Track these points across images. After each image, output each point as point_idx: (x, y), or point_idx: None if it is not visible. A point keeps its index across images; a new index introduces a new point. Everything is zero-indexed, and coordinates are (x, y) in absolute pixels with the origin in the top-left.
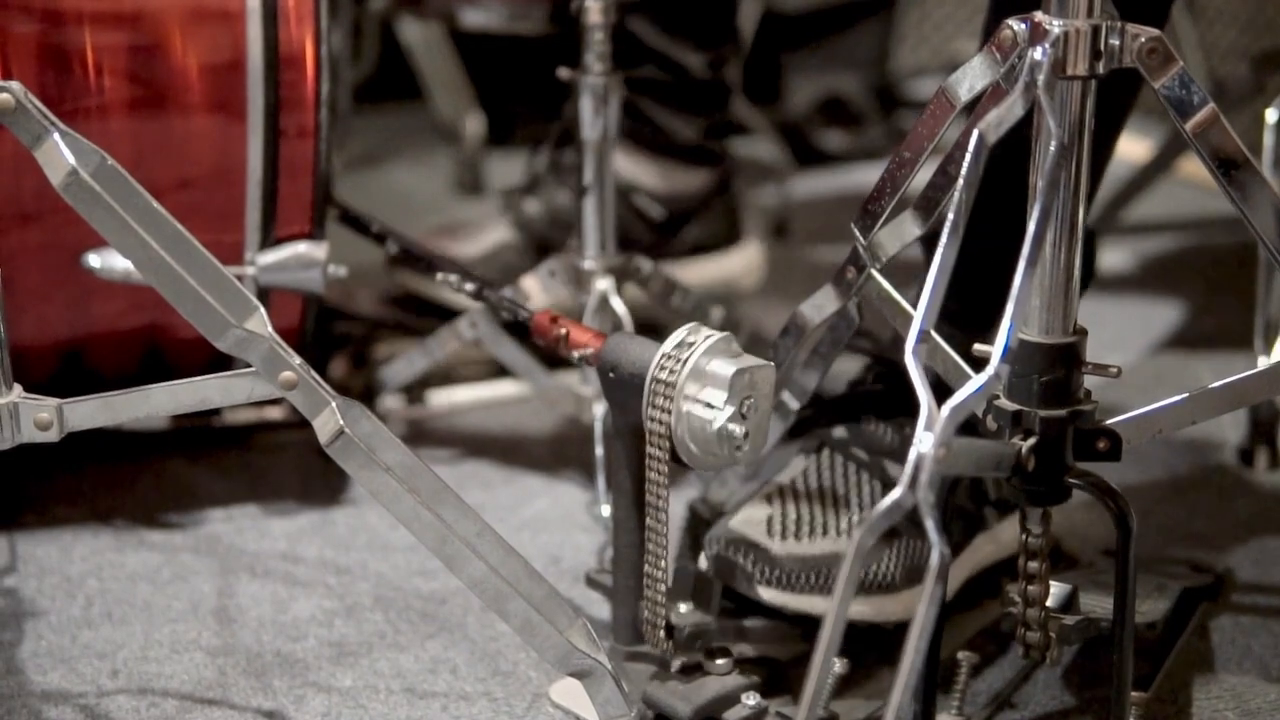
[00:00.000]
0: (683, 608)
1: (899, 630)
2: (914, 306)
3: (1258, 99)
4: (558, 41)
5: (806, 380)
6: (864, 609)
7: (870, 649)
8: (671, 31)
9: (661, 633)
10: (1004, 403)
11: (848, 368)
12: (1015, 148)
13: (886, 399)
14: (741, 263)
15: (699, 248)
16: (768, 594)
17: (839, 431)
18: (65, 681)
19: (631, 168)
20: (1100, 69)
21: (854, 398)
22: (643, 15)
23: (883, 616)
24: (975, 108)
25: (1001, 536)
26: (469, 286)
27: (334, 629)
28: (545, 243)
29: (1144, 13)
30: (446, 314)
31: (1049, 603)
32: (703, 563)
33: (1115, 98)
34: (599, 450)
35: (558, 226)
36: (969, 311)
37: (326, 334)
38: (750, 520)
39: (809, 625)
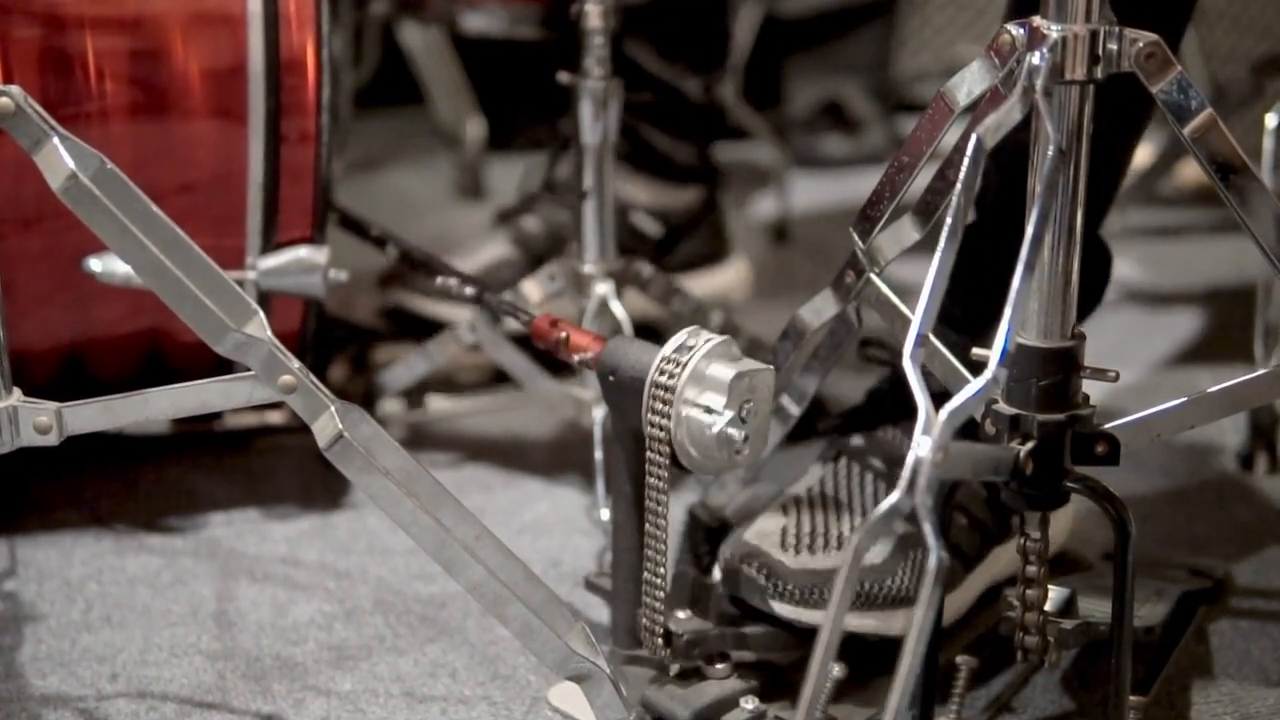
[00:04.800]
0: (681, 614)
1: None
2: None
3: (1258, 104)
4: (558, 46)
5: (806, 384)
6: (874, 623)
7: (884, 664)
8: (669, 57)
9: (659, 639)
10: (1002, 407)
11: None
12: (1021, 153)
13: (904, 408)
14: (731, 277)
15: (690, 263)
16: (781, 608)
17: (856, 440)
18: (65, 685)
19: (627, 186)
20: (1098, 74)
21: (871, 407)
22: (640, 40)
23: (896, 630)
24: (974, 112)
25: (993, 568)
26: (469, 290)
27: (333, 633)
28: (544, 259)
29: (1159, 22)
30: (440, 329)
31: (1048, 606)
32: (715, 575)
33: (1129, 102)
34: (598, 454)
35: (556, 243)
36: (970, 316)
37: (327, 338)
38: (763, 532)
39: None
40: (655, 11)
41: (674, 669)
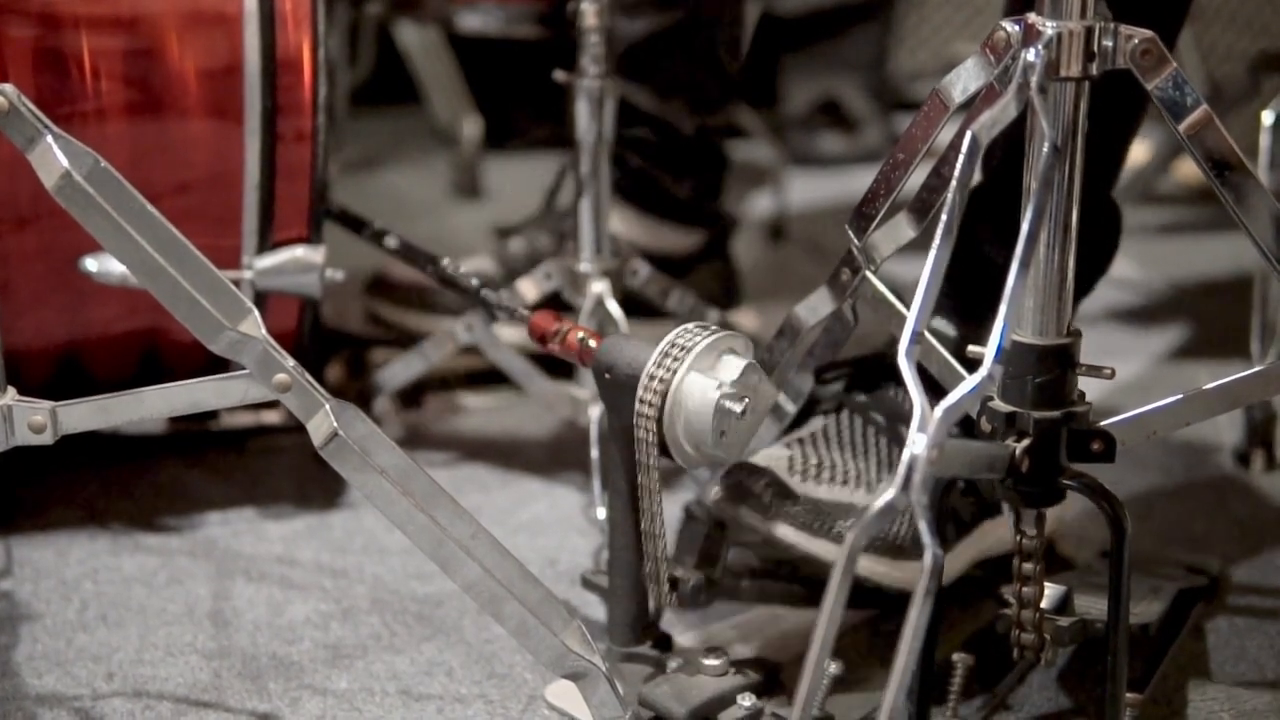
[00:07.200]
0: (687, 562)
1: (902, 597)
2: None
3: (1254, 101)
4: (554, 45)
5: (801, 383)
6: (877, 568)
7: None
8: (664, 94)
9: (665, 588)
10: (998, 404)
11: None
12: (1020, 150)
13: None
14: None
15: None
16: (782, 530)
17: (859, 395)
18: (61, 685)
19: (620, 224)
20: (1094, 70)
21: (876, 363)
22: (636, 78)
23: (891, 580)
24: (970, 109)
25: (983, 541)
26: (472, 283)
27: (330, 632)
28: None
29: (1155, 19)
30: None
31: (1044, 604)
32: (715, 493)
33: (1126, 95)
34: (595, 453)
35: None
36: (971, 313)
37: (323, 338)
38: (772, 456)
39: (807, 583)
40: (652, 49)
41: (671, 665)
